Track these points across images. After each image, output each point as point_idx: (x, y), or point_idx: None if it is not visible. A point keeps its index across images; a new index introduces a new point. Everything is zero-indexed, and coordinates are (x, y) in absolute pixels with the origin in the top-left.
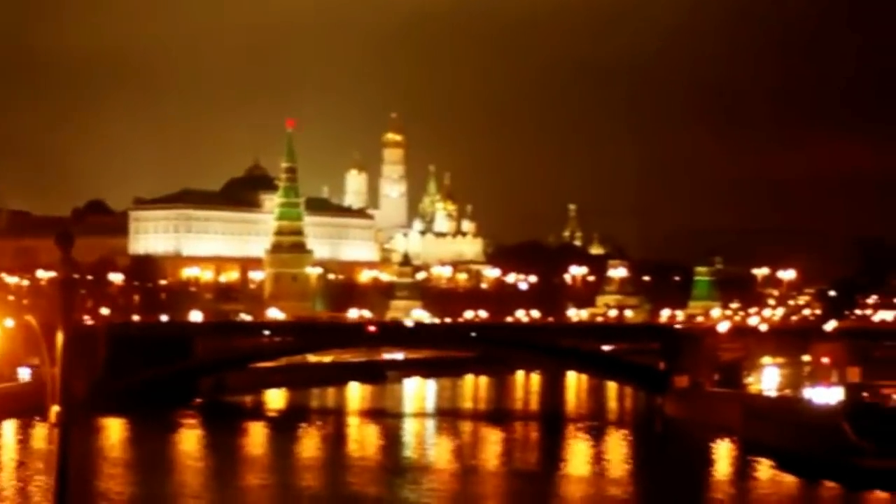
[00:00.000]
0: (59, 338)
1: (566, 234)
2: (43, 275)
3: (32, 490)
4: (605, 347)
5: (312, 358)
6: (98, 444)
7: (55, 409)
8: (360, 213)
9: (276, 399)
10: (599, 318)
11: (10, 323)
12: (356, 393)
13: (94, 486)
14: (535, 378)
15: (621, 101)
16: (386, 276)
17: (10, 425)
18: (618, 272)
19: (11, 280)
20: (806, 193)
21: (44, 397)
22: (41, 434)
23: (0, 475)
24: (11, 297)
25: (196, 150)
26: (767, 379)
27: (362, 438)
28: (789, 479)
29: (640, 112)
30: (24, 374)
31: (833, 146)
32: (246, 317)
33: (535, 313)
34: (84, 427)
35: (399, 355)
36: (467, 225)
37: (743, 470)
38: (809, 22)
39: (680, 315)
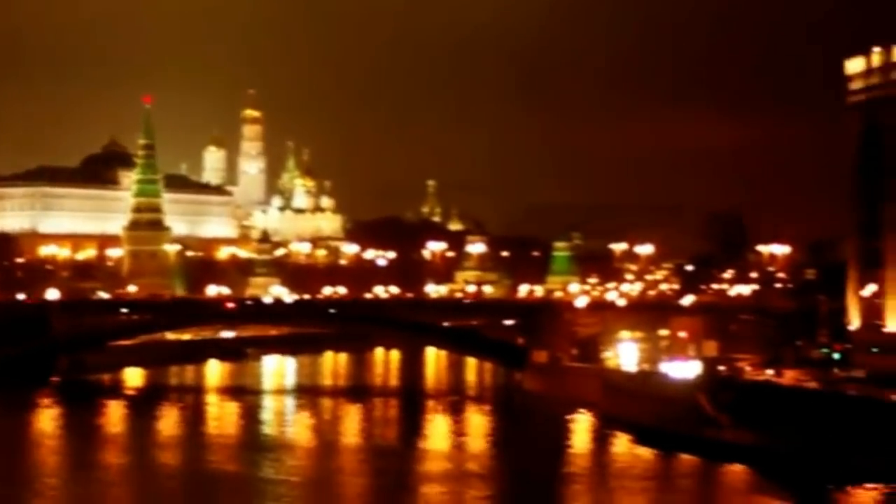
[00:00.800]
0: None
1: (425, 210)
2: None
3: None
4: (465, 323)
5: (171, 335)
6: None
7: None
8: (219, 189)
9: (134, 377)
10: (458, 294)
11: None
12: (215, 370)
13: None
14: (395, 354)
15: (477, 78)
16: (244, 253)
17: None
18: (476, 248)
19: None
20: (662, 168)
21: None
22: None
23: None
24: None
25: (53, 127)
26: (626, 353)
27: (222, 416)
28: (647, 453)
29: (497, 88)
30: None
31: (689, 121)
32: (104, 295)
33: (394, 289)
34: None
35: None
36: (326, 201)
37: (602, 444)
38: None
39: (539, 290)
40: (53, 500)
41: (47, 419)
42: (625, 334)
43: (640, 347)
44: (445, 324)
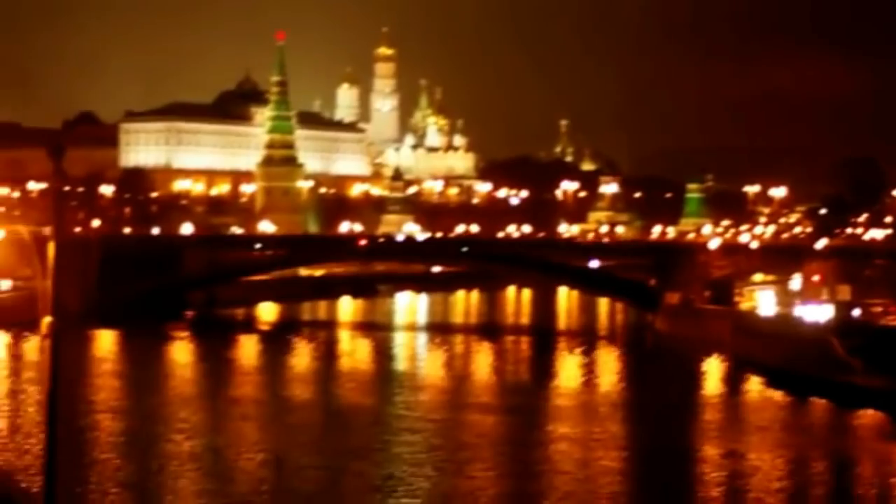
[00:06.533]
0: (51, 249)
1: (557, 149)
2: (34, 186)
3: (24, 399)
4: (596, 263)
5: (304, 271)
6: (90, 355)
7: (47, 319)
8: (352, 127)
9: (267, 312)
10: (591, 235)
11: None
12: (347, 306)
13: (86, 396)
14: (527, 293)
15: (615, 19)
16: (377, 191)
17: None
18: (609, 188)
19: (2, 191)
20: (797, 111)
21: (33, 308)
22: (33, 345)
23: None
24: (2, 209)
25: (186, 64)
26: (759, 296)
27: (353, 351)
28: (779, 396)
29: (633, 29)
30: (5, 285)
31: (826, 66)
32: (237, 230)
33: (527, 229)
34: (76, 339)
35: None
36: (459, 140)
37: (733, 387)
38: None
39: (671, 232)
40: (189, 432)
41: (182, 352)
42: (758, 277)
43: (773, 291)
44: (583, 264)
